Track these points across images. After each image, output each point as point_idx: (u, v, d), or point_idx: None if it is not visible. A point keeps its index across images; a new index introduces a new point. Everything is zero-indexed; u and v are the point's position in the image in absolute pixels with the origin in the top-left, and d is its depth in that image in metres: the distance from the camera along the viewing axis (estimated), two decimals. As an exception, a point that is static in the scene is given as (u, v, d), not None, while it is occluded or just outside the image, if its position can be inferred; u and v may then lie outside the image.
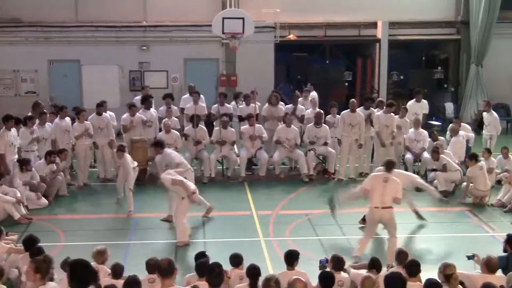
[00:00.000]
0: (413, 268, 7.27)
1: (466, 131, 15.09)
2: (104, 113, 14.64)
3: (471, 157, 13.17)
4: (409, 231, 11.35)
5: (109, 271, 7.77)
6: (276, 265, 9.02)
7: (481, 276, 7.55)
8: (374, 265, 7.83)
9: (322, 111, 15.23)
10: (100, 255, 8.01)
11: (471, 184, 12.96)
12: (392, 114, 14.91)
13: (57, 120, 14.19)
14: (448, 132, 15.06)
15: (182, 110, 16.07)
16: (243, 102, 15.73)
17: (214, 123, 15.54)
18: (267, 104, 15.53)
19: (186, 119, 15.46)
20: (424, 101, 16.10)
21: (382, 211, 9.67)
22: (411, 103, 16.18)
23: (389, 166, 10.01)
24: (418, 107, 15.90)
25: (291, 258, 7.75)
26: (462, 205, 12.96)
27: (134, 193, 13.81)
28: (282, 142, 14.75)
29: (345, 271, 7.92)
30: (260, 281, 6.59)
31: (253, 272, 7.04)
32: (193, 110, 15.03)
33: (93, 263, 7.38)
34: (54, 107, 15.63)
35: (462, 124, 15.54)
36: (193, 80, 18.25)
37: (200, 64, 20.52)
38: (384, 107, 15.10)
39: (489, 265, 7.60)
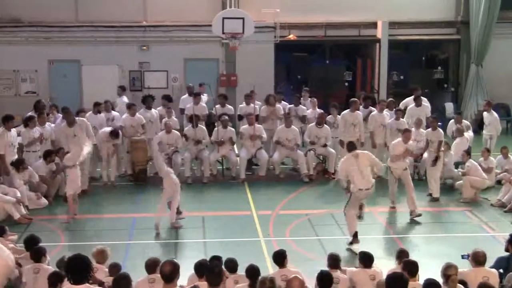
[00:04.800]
0: (413, 267, 7.28)
1: (466, 128, 15.07)
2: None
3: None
4: (409, 231, 11.35)
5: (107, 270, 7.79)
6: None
7: (472, 270, 7.67)
8: (364, 259, 7.91)
9: (323, 112, 15.25)
10: (100, 255, 8.01)
11: (468, 176, 13.19)
12: (385, 113, 14.94)
13: (58, 120, 14.19)
14: (453, 133, 15.04)
15: (181, 110, 16.09)
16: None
17: (216, 123, 15.57)
18: (265, 105, 15.54)
19: (186, 119, 15.47)
20: (423, 98, 16.04)
21: (367, 192, 10.63)
22: (409, 100, 16.16)
23: (350, 147, 10.99)
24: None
25: (280, 258, 7.75)
26: (462, 205, 12.97)
27: (134, 193, 13.89)
28: (282, 142, 14.75)
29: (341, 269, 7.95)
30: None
31: (253, 272, 7.04)
32: (192, 110, 15.02)
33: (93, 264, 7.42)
34: (55, 107, 15.62)
35: (463, 121, 15.51)
36: (193, 80, 18.24)
37: (200, 64, 20.50)
38: (385, 107, 15.15)
39: (476, 258, 7.72)
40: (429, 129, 13.84)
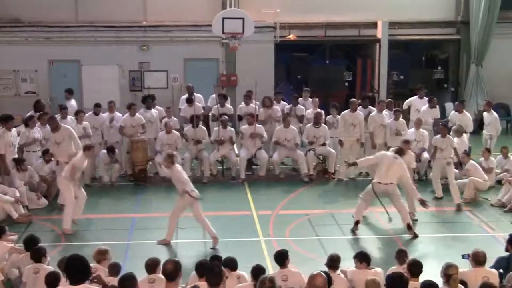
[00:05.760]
0: (416, 268, 7.29)
1: (466, 121, 15.00)
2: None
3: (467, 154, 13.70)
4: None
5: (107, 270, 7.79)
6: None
7: (472, 270, 7.67)
8: (364, 259, 7.93)
9: (321, 111, 15.24)
10: (101, 255, 8.01)
11: (472, 178, 13.18)
12: (385, 113, 14.95)
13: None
14: (452, 133, 15.01)
15: (180, 110, 16.08)
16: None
17: (210, 124, 15.60)
18: (262, 108, 15.52)
19: (183, 121, 15.45)
20: (427, 98, 16.07)
21: (385, 187, 11.13)
22: (413, 99, 16.19)
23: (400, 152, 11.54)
24: (421, 103, 15.89)
25: (281, 258, 7.76)
26: (462, 205, 12.93)
27: (134, 193, 13.89)
28: (281, 143, 14.75)
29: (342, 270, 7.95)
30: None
31: (258, 272, 7.06)
32: (192, 110, 15.02)
33: (92, 264, 7.43)
34: (60, 107, 15.57)
35: (464, 112, 15.43)
36: (193, 80, 18.22)
37: (200, 64, 20.50)
38: (384, 107, 15.18)
39: (476, 258, 7.73)
40: (438, 136, 13.36)
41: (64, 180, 11.43)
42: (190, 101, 15.45)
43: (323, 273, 5.89)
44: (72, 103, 16.14)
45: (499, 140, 15.88)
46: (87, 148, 11.72)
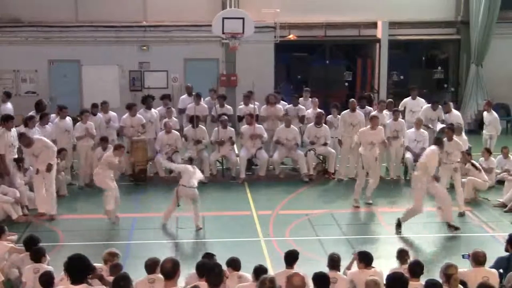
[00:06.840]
0: (417, 268, 7.29)
1: (456, 119, 14.95)
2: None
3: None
4: (410, 231, 11.34)
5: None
6: (276, 265, 9.02)
7: (472, 270, 7.67)
8: (364, 259, 7.91)
9: (322, 112, 15.25)
10: (110, 256, 8.02)
11: (471, 178, 13.16)
12: (385, 113, 14.94)
13: (57, 120, 14.17)
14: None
15: (180, 110, 16.07)
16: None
17: (208, 125, 15.61)
18: (265, 105, 15.55)
19: (186, 119, 15.46)
20: (421, 99, 16.08)
21: None
22: (407, 100, 16.22)
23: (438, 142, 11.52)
24: (415, 104, 15.91)
25: (291, 258, 7.76)
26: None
27: (134, 193, 13.89)
28: (282, 142, 14.75)
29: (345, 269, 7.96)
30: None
31: (260, 272, 7.06)
32: (194, 110, 15.02)
33: (99, 264, 7.45)
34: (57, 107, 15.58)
35: (453, 110, 15.40)
36: (193, 80, 18.23)
37: (200, 64, 20.50)
38: (384, 107, 15.20)
39: (476, 258, 7.73)
40: (444, 139, 12.19)
41: (102, 177, 11.89)
42: (199, 97, 15.43)
43: (300, 273, 5.91)
44: (8, 107, 15.67)
45: (499, 140, 15.88)
46: (117, 147, 12.07)
